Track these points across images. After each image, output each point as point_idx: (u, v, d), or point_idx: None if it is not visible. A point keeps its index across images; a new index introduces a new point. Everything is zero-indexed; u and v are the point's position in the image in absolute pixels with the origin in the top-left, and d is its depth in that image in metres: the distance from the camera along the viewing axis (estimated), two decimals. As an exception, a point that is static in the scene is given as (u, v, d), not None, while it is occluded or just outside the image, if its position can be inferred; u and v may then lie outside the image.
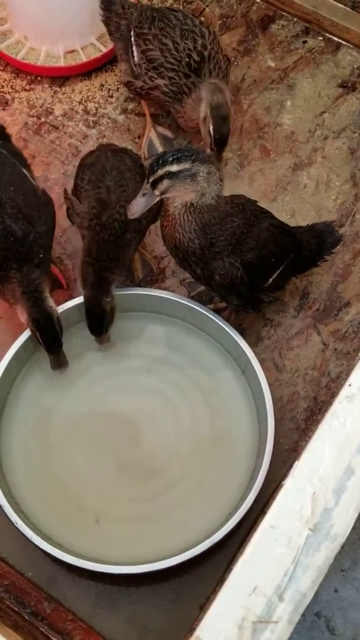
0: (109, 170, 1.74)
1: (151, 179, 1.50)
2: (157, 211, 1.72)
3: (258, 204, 1.73)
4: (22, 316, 1.66)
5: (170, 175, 1.48)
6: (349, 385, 1.17)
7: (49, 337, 1.65)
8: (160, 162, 1.48)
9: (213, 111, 1.83)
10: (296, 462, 1.13)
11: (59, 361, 1.71)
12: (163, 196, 1.54)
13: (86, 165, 1.80)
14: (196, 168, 1.49)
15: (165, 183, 1.50)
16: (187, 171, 1.48)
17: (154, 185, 1.50)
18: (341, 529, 1.07)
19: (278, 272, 1.71)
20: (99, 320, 1.71)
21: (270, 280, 1.71)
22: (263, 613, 1.02)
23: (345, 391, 1.16)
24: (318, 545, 1.06)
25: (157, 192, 1.52)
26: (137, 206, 1.55)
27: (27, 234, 1.64)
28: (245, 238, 1.62)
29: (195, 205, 1.55)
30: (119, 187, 1.71)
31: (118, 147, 1.88)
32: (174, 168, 1.48)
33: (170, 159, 1.48)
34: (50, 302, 1.66)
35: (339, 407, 1.15)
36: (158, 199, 1.54)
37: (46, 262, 1.70)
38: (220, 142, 1.85)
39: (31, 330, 1.67)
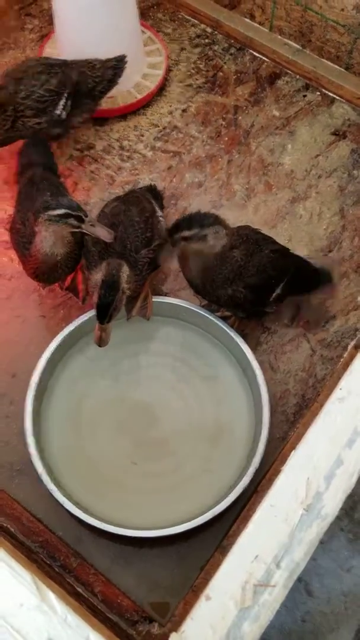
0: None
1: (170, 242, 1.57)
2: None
3: (261, 231, 1.73)
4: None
5: (185, 238, 1.54)
6: (340, 389, 1.16)
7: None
8: (176, 229, 1.54)
9: None
10: (293, 452, 1.12)
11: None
12: None
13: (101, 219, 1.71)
14: (205, 231, 1.54)
15: (182, 244, 1.56)
16: (198, 234, 1.54)
17: (174, 245, 1.58)
18: (330, 509, 1.06)
19: (279, 288, 1.70)
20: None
21: (274, 295, 1.70)
22: (263, 578, 1.01)
23: (336, 394, 1.15)
24: (310, 522, 1.05)
25: (177, 251, 1.60)
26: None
27: None
28: (247, 266, 1.64)
29: (202, 251, 1.59)
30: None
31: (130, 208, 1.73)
32: (187, 233, 1.53)
33: (183, 226, 1.54)
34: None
35: (332, 406, 1.14)
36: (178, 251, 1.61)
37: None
38: None
39: None
